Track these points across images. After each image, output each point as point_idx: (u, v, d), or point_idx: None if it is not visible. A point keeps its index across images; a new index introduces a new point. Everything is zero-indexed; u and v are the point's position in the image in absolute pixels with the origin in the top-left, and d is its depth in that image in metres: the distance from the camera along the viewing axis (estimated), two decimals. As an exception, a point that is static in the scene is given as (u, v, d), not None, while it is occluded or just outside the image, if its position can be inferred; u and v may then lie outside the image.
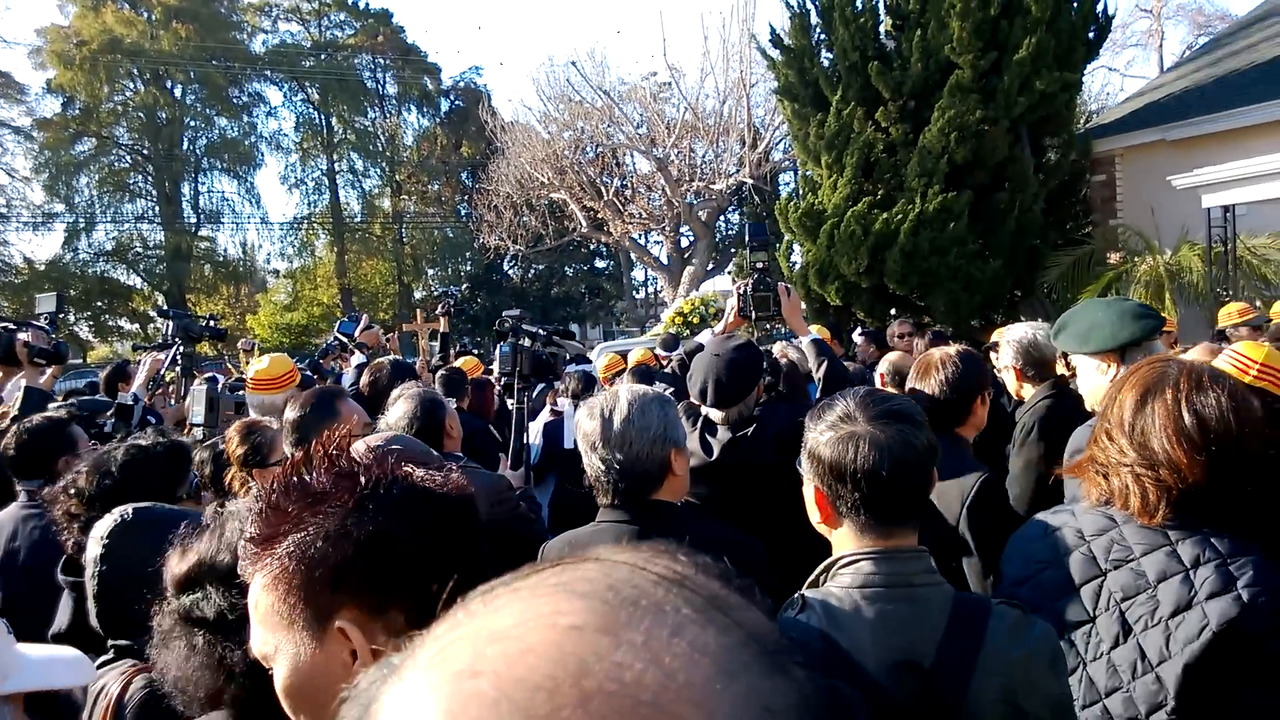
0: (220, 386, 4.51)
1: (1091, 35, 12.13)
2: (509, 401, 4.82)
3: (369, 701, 0.48)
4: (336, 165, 40.78)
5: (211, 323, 5.82)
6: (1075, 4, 11.59)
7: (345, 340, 6.01)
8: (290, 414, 3.05)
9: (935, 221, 11.17)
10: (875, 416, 1.72)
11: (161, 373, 5.48)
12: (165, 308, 5.78)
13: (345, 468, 1.20)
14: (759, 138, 25.21)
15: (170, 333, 5.49)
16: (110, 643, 1.96)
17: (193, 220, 38.61)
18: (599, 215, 27.54)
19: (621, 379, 6.79)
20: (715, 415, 3.38)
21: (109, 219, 37.59)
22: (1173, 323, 7.55)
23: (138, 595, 1.73)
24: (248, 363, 8.72)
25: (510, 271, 38.93)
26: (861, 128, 11.87)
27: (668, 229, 28.51)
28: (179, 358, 5.42)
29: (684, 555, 0.53)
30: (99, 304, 37.52)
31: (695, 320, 10.30)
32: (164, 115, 37.36)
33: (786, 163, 28.18)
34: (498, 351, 4.61)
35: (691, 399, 3.48)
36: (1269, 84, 11.59)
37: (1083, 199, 12.90)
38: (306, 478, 1.18)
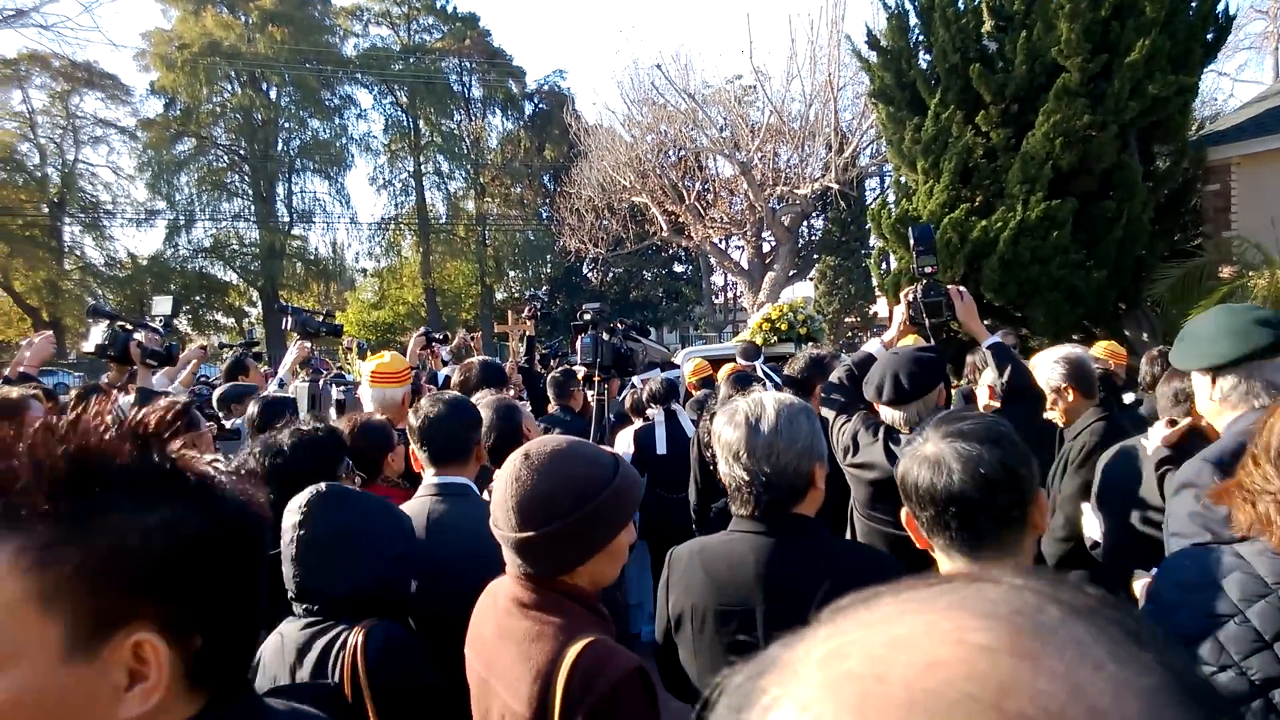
0: (322, 382, 4.50)
1: (1210, 37, 11.54)
2: (589, 394, 4.84)
3: (747, 695, 0.48)
4: (423, 167, 41.48)
5: (328, 318, 5.85)
6: (1194, 3, 11.03)
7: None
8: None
9: (1037, 229, 10.74)
10: (946, 435, 1.71)
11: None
12: (284, 303, 5.82)
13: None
14: (845, 142, 24.81)
15: (289, 327, 5.52)
16: (303, 605, 2.14)
17: (286, 219, 39.65)
18: (680, 219, 27.46)
19: (714, 386, 6.64)
20: (893, 417, 3.22)
21: (207, 216, 38.89)
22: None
23: (333, 559, 2.10)
24: (349, 361, 8.79)
25: (589, 274, 39.07)
26: (960, 132, 11.49)
27: (749, 234, 28.27)
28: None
29: (1089, 587, 0.49)
30: (197, 299, 38.82)
31: (784, 327, 10.06)
32: (259, 117, 38.47)
33: (873, 168, 27.78)
34: (579, 344, 4.60)
35: (868, 398, 3.32)
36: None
37: (1194, 209, 12.29)
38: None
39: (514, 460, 1.82)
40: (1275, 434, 1.79)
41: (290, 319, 5.59)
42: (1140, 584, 2.63)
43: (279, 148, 39.49)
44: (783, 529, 2.19)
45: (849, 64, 22.38)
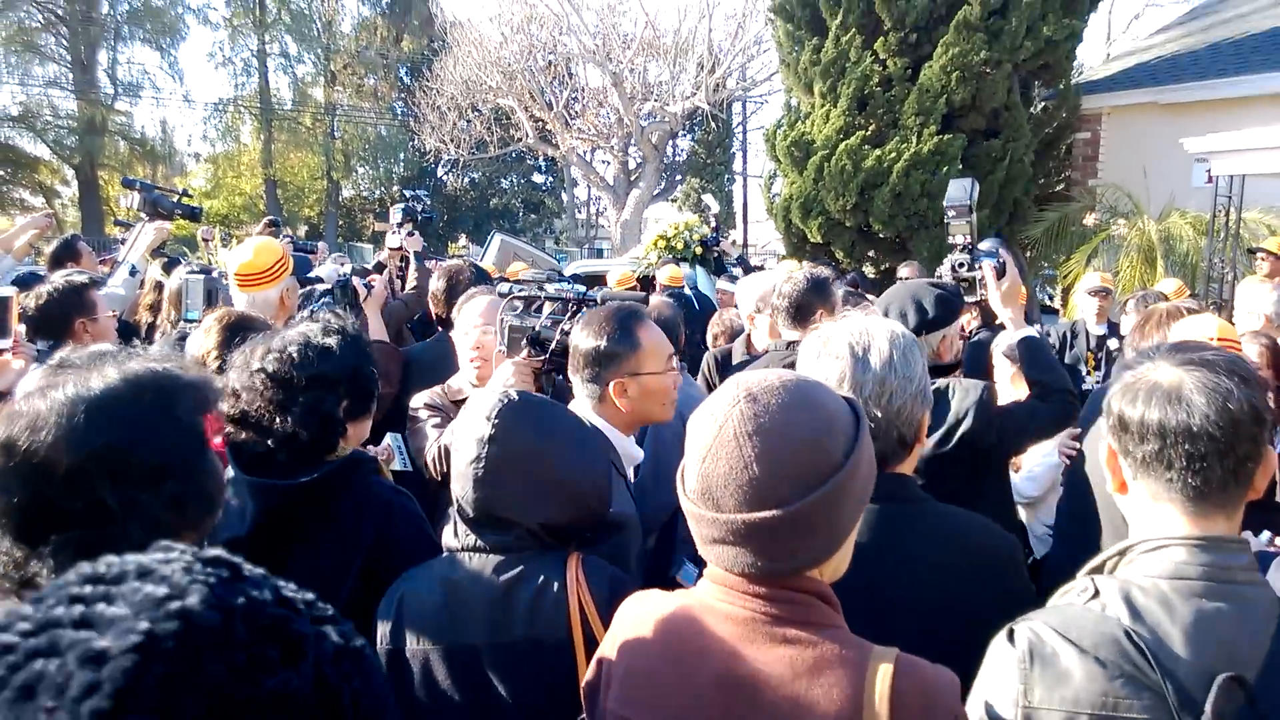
0: (216, 273, 3.88)
1: (1096, -16, 11.82)
2: None
3: None
4: (268, 47, 38.35)
5: (184, 197, 5.11)
6: (1087, -52, 11.21)
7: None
8: (589, 342, 2.52)
9: (928, 163, 10.82)
10: (1185, 363, 1.44)
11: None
12: (131, 179, 5.08)
13: None
14: (717, 63, 24.54)
15: (136, 206, 4.88)
16: (479, 538, 1.83)
17: (109, 91, 36.04)
18: (547, 126, 26.61)
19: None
20: None
21: (15, 81, 34.78)
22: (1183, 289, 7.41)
23: (531, 482, 1.79)
24: (210, 253, 7.91)
25: (444, 178, 37.58)
26: (859, 57, 11.36)
27: (616, 148, 27.78)
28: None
29: None
30: (1, 172, 34.96)
31: (679, 245, 9.74)
32: (81, -28, 34.52)
33: (739, 92, 27.67)
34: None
35: None
36: (1266, 53, 11.46)
37: (1067, 154, 12.70)
38: None
39: (726, 404, 1.30)
40: None
41: (139, 196, 5.05)
42: None
43: (103, 10, 35.58)
44: (881, 491, 1.74)
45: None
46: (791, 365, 3.56)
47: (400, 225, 5.25)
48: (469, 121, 28.36)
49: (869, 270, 11.81)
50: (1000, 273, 3.03)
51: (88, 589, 0.63)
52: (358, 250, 29.16)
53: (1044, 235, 11.25)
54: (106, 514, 1.27)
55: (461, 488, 1.82)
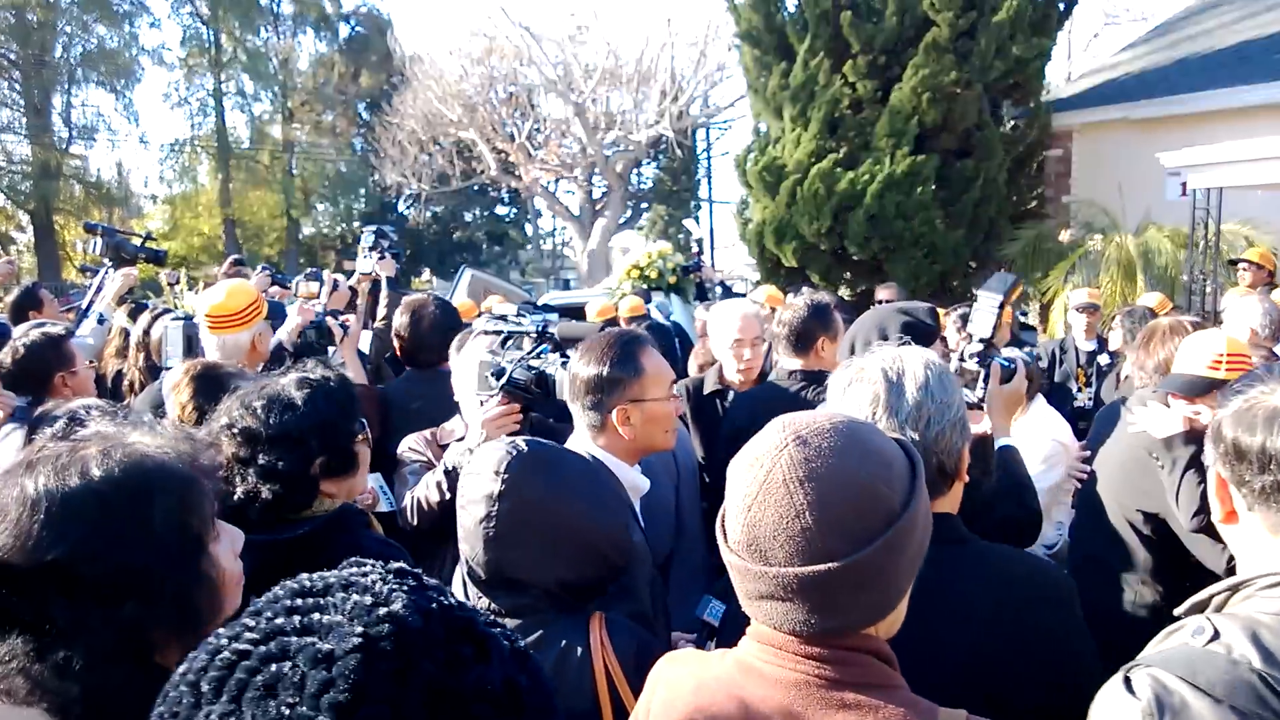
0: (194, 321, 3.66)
1: (1061, 5, 11.83)
2: None
3: None
4: (224, 86, 37.95)
5: (148, 241, 4.94)
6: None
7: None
8: (590, 369, 2.43)
9: (902, 184, 10.71)
10: None
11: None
12: (93, 223, 4.89)
13: None
14: (680, 91, 24.54)
15: (98, 251, 4.77)
16: (492, 601, 1.73)
17: (64, 135, 35.38)
18: (509, 158, 26.46)
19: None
20: None
21: (-32, 128, 34.05)
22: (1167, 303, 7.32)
23: (547, 541, 1.68)
24: (176, 297, 7.63)
25: (406, 212, 37.25)
26: (829, 80, 11.25)
27: (580, 178, 27.68)
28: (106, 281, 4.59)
29: None
30: (-47, 221, 34.13)
31: (654, 275, 9.52)
32: (34, 17, 33.79)
33: (702, 119, 27.71)
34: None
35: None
36: (1233, 68, 11.50)
37: (1039, 172, 12.66)
38: None
39: (773, 448, 1.19)
40: None
41: (101, 241, 4.94)
42: None
43: (57, 54, 34.97)
44: None
45: (687, 9, 22.22)
46: (796, 395, 3.39)
47: (371, 249, 4.97)
48: (430, 155, 28.15)
49: (845, 293, 11.66)
50: (1007, 377, 2.69)
51: (299, 601, 0.72)
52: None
53: (1020, 253, 11.16)
54: (55, 629, 1.14)
55: (471, 548, 1.71)
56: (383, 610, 0.69)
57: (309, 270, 6.32)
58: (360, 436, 2.19)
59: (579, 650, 1.67)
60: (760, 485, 1.17)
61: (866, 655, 1.20)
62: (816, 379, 3.41)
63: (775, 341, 3.59)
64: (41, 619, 1.14)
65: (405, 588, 0.72)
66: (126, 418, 1.42)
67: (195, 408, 2.58)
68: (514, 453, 1.72)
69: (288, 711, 0.63)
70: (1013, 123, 11.99)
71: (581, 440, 2.41)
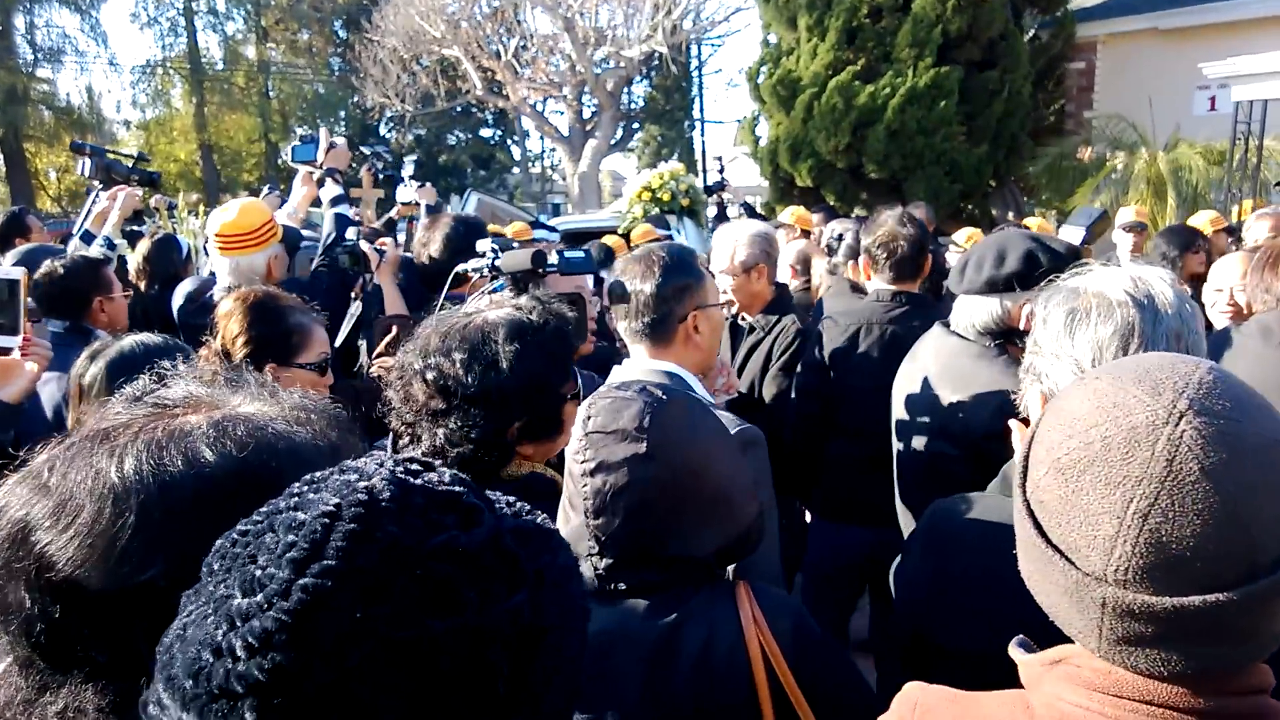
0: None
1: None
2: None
3: None
4: (194, 5, 36.53)
5: (140, 162, 4.54)
6: None
7: (312, 168, 4.69)
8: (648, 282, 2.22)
9: (924, 98, 10.20)
10: None
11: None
12: (81, 141, 4.45)
13: None
14: (674, 3, 23.63)
15: (87, 173, 4.46)
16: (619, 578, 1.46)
17: (29, 58, 34.04)
18: (495, 77, 25.56)
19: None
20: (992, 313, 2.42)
21: (-74, 51, 32.68)
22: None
23: (691, 507, 1.45)
24: (167, 222, 7.25)
25: (388, 135, 36.26)
26: (846, -13, 10.64)
27: (569, 97, 26.83)
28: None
29: None
30: (-84, 146, 32.91)
31: (665, 197, 9.04)
32: (-12, -70, 32.32)
33: (694, 35, 26.79)
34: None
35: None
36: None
37: (1057, 85, 12.15)
38: None
39: (1158, 422, 0.85)
40: None
41: (89, 161, 4.65)
42: None
43: (17, -30, 33.53)
44: None
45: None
46: (900, 319, 3.01)
47: (412, 177, 4.94)
48: (413, 75, 27.15)
49: (861, 214, 11.22)
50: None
51: (303, 488, 0.71)
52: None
53: (1044, 171, 10.72)
54: (144, 675, 0.77)
55: (605, 521, 1.43)
56: (362, 484, 0.68)
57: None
58: (571, 395, 1.84)
59: (729, 631, 1.42)
60: (1161, 481, 0.82)
61: (1259, 696, 0.89)
62: (921, 304, 3.13)
63: (875, 265, 3.18)
64: (123, 660, 0.83)
65: (399, 468, 0.71)
66: (223, 374, 1.00)
67: (248, 340, 2.31)
68: (654, 403, 1.44)
69: (259, 573, 0.64)
70: (1034, 33, 11.45)
71: (639, 366, 2.17)
